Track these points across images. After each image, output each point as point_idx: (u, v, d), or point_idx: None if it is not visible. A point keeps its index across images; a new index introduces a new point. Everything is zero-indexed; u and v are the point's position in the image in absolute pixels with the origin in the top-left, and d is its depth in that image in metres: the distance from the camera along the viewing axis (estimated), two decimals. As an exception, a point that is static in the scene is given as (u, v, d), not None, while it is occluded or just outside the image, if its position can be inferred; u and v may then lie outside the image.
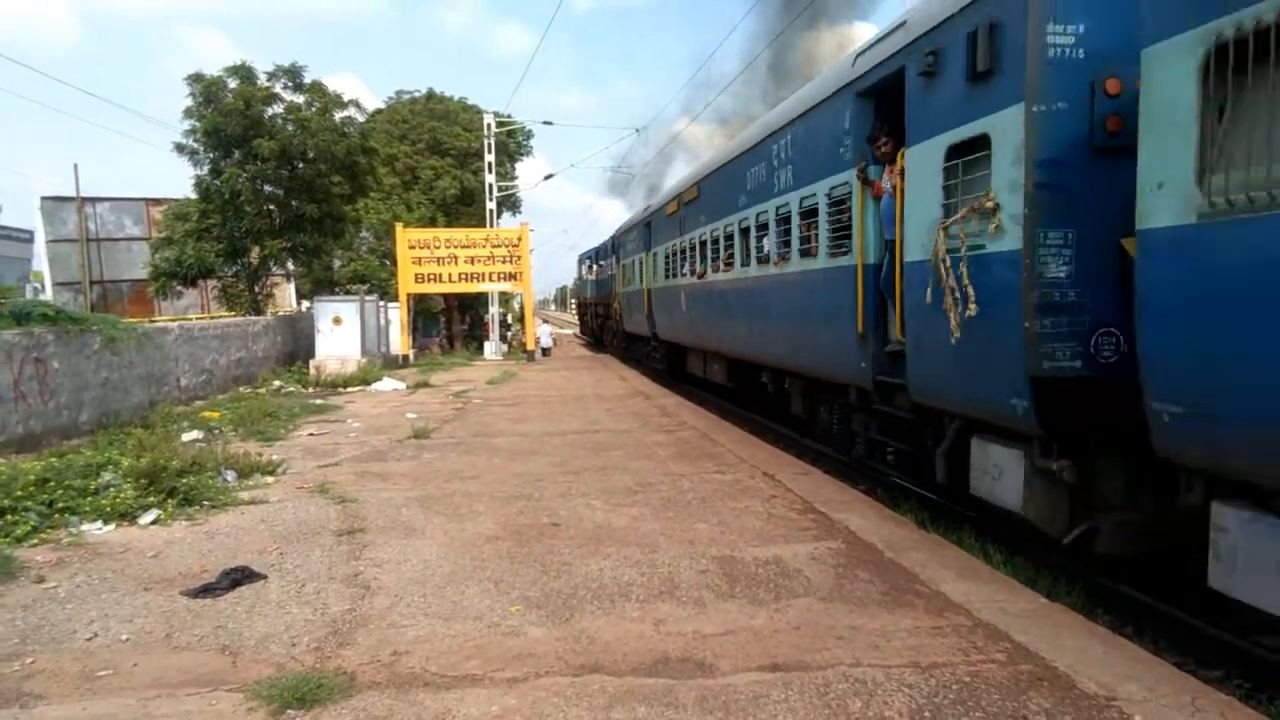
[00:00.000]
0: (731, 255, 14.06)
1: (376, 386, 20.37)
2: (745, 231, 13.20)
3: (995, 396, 6.49)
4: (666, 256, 20.17)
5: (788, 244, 11.21)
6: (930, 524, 7.72)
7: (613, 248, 32.29)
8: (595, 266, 39.20)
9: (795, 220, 10.86)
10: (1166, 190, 4.73)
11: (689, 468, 9.78)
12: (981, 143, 6.57)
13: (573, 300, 57.86)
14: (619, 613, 5.18)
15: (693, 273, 17.05)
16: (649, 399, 17.30)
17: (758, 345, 13.08)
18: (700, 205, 16.45)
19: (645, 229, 23.62)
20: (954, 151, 6.98)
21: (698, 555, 6.32)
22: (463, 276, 28.24)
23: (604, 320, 37.14)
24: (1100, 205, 5.58)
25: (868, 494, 8.89)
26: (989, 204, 6.38)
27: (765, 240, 12.27)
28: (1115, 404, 5.48)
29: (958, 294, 6.74)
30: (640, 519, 7.46)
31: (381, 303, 27.39)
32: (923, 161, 7.50)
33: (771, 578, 5.79)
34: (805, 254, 10.60)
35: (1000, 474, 6.80)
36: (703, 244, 16.13)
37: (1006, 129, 6.22)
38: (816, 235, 10.15)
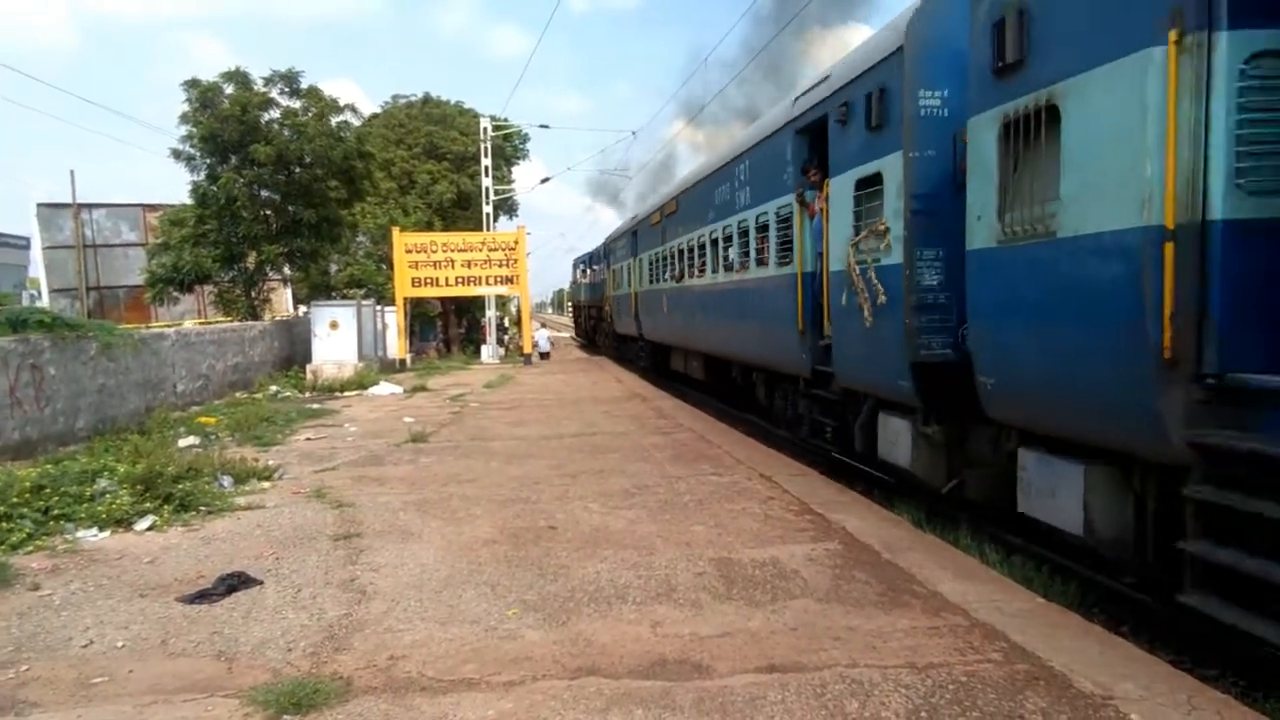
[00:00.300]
0: (704, 263, 15.82)
1: (373, 391, 20.36)
2: (715, 242, 14.96)
3: (890, 379, 8.21)
4: (650, 262, 22.18)
5: (747, 254, 12.95)
6: (926, 524, 7.71)
7: (604, 253, 34.71)
8: (589, 271, 41.40)
9: (752, 234, 12.58)
10: (982, 222, 6.42)
11: (686, 470, 9.78)
12: (877, 179, 8.28)
13: (569, 303, 59.59)
14: (616, 615, 5.18)
15: (673, 278, 18.86)
16: (645, 401, 17.30)
17: (727, 343, 15.06)
18: (678, 217, 18.40)
19: (632, 236, 25.77)
20: (860, 184, 8.66)
21: (695, 557, 6.32)
22: (459, 280, 28.26)
23: (597, 322, 39.05)
24: (961, 229, 6.76)
25: (864, 495, 8.89)
26: (881, 227, 8.14)
27: (730, 250, 14.03)
28: (973, 381, 6.73)
29: (864, 297, 8.49)
30: (637, 521, 7.46)
31: (378, 307, 27.38)
32: (840, 190, 9.19)
33: (768, 579, 5.79)
34: (760, 263, 12.33)
35: (897, 440, 8.48)
36: (680, 252, 18.02)
37: (892, 169, 7.93)
38: (768, 247, 11.83)
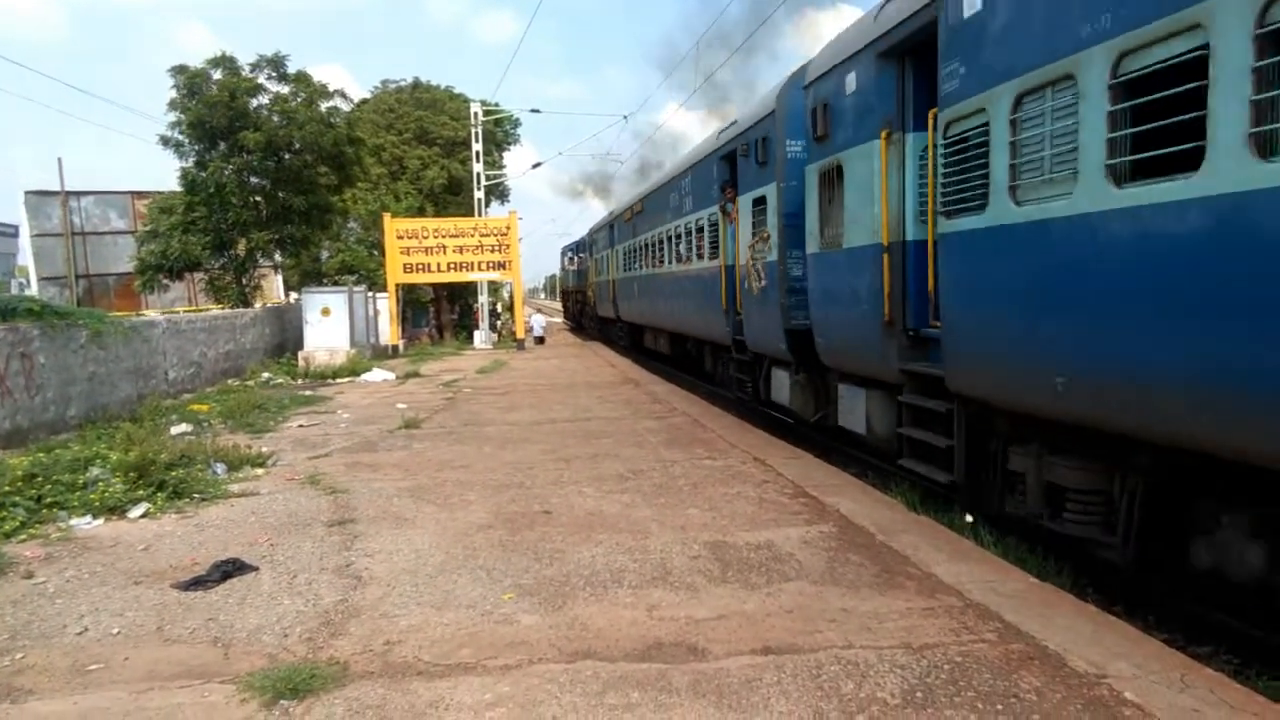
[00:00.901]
0: (664, 255, 19.52)
1: (366, 377, 20.32)
2: (672, 238, 18.59)
3: (774, 342, 11.60)
4: (625, 253, 25.95)
5: (690, 249, 16.86)
6: (920, 506, 7.73)
7: (588, 243, 38.17)
8: (575, 259, 44.43)
9: (694, 233, 16.48)
10: (811, 235, 9.81)
11: (680, 454, 9.79)
12: (764, 199, 11.74)
13: (559, 288, 62.04)
14: (611, 599, 5.19)
15: (642, 266, 22.61)
16: (639, 386, 17.30)
17: (680, 322, 18.99)
18: (645, 216, 22.15)
19: (610, 229, 29.71)
20: (754, 202, 12.15)
21: (690, 541, 6.33)
22: (451, 266, 28.18)
23: (582, 306, 42.91)
24: None
25: (858, 477, 8.91)
26: (766, 234, 11.61)
27: (680, 246, 17.83)
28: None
29: (756, 284, 11.99)
30: (632, 505, 7.47)
31: (370, 293, 27.29)
32: (744, 205, 12.69)
33: (764, 562, 5.80)
34: (699, 257, 16.05)
35: (782, 387, 11.94)
36: (647, 245, 21.68)
37: (772, 194, 11.34)
38: (704, 245, 15.62)
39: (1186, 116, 4.55)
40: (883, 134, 7.90)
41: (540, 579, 5.59)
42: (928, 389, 7.65)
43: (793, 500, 7.54)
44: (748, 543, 6.25)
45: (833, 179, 9.11)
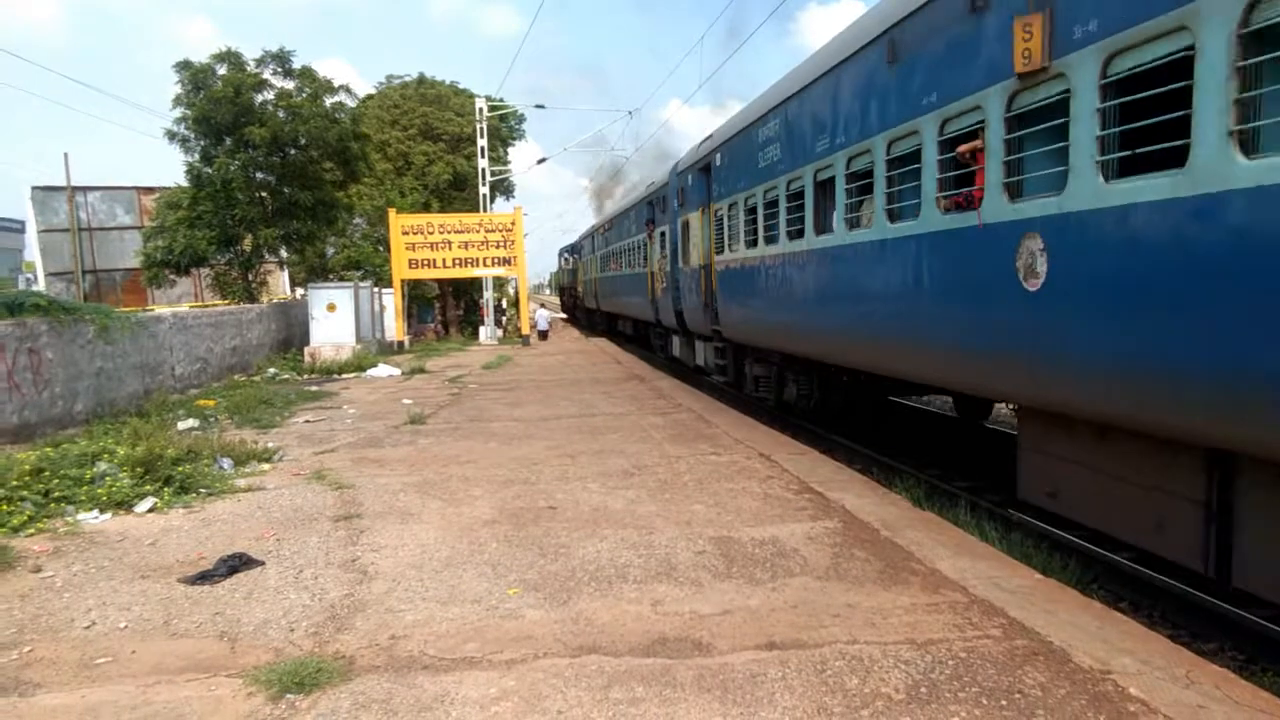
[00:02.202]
0: (621, 262, 27.97)
1: (371, 373, 20.35)
2: (625, 250, 27.10)
3: (670, 319, 19.66)
4: (600, 258, 34.32)
5: (634, 259, 25.17)
6: (925, 502, 7.74)
7: (578, 248, 46.75)
8: (570, 259, 53.55)
9: (634, 249, 24.96)
10: (680, 257, 17.88)
11: (685, 450, 9.80)
12: (665, 234, 19.56)
13: (558, 284, 74.62)
14: (616, 594, 5.20)
15: (611, 269, 31.01)
16: (644, 382, 17.31)
17: (631, 309, 27.39)
18: (611, 232, 30.67)
19: (592, 238, 38.09)
20: (661, 234, 20.22)
21: (694, 536, 6.34)
22: (456, 262, 28.20)
23: (575, 300, 51.41)
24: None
25: (863, 473, 8.91)
26: (665, 254, 19.63)
27: (627, 256, 26.59)
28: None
29: (660, 285, 20.40)
30: (637, 501, 7.48)
31: (376, 289, 27.32)
32: (656, 236, 21.03)
33: (768, 557, 5.81)
34: (639, 265, 24.22)
35: (674, 346, 20.77)
36: (612, 254, 30.25)
37: (668, 231, 19.27)
38: (639, 257, 24.03)
39: (796, 213, 11.08)
40: (700, 208, 15.83)
41: (545, 574, 5.60)
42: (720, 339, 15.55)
43: (797, 496, 7.54)
44: (752, 538, 6.25)
45: (686, 229, 17.26)
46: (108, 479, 7.97)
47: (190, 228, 23.35)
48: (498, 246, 28.29)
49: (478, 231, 28.30)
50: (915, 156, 7.62)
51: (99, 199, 37.18)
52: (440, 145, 37.05)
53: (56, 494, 7.54)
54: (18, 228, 39.82)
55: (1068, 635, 4.38)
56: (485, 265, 28.70)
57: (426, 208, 33.91)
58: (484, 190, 32.85)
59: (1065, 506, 6.48)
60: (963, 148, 6.85)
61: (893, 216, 8.13)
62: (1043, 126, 5.85)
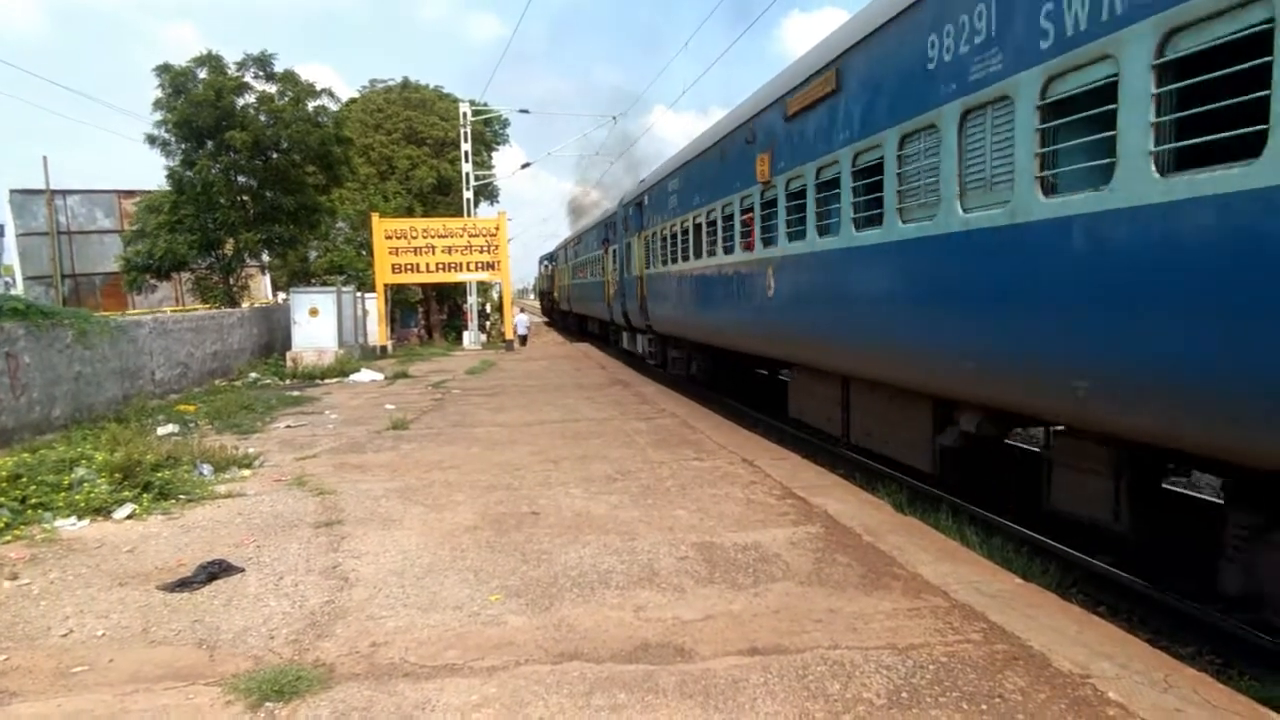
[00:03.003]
0: (587, 271, 33.26)
1: (354, 378, 20.27)
2: (590, 261, 32.00)
3: (619, 318, 25.50)
4: (574, 267, 38.84)
5: (595, 269, 30.07)
6: (907, 507, 7.78)
7: (555, 256, 52.97)
8: (548, 266, 59.13)
9: (595, 261, 29.99)
10: (631, 268, 22.42)
11: (668, 455, 9.80)
12: (616, 251, 25.18)
13: (538, 290, 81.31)
14: (599, 600, 5.19)
15: (581, 276, 35.71)
16: (627, 387, 17.31)
17: (597, 311, 30.72)
18: (580, 246, 36.01)
19: (565, 249, 44.47)
20: (613, 252, 25.65)
21: (677, 542, 6.34)
22: (440, 266, 28.14)
23: (552, 303, 57.25)
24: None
25: (846, 478, 8.94)
26: (615, 267, 25.38)
27: (591, 266, 31.37)
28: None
29: (613, 290, 26.03)
30: (620, 506, 7.47)
31: (359, 293, 27.21)
32: (610, 252, 26.46)
33: (750, 563, 5.81)
34: (596, 273, 29.80)
35: (624, 340, 26.67)
36: (582, 264, 35.12)
37: (619, 249, 24.56)
38: (600, 268, 28.60)
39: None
40: (637, 234, 21.08)
41: (527, 580, 5.59)
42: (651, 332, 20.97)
43: (780, 501, 7.55)
44: (735, 544, 6.26)
45: (629, 249, 22.21)
46: (86, 485, 7.90)
47: (171, 232, 23.20)
48: (481, 251, 28.26)
49: (461, 236, 28.25)
50: (730, 217, 12.90)
51: (78, 202, 36.91)
52: (424, 149, 37.01)
53: (33, 500, 7.46)
54: (-4, 231, 39.37)
55: (1048, 640, 4.41)
56: (469, 270, 28.66)
57: (410, 212, 33.85)
58: (468, 195, 32.80)
59: (807, 419, 11.77)
60: (745, 215, 12.10)
61: (725, 250, 13.29)
62: (769, 210, 11.11)
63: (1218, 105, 4.35)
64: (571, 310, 42.20)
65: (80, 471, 8.25)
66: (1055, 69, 5.43)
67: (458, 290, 35.41)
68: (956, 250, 6.72)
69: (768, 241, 11.18)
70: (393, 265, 27.59)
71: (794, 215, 10.28)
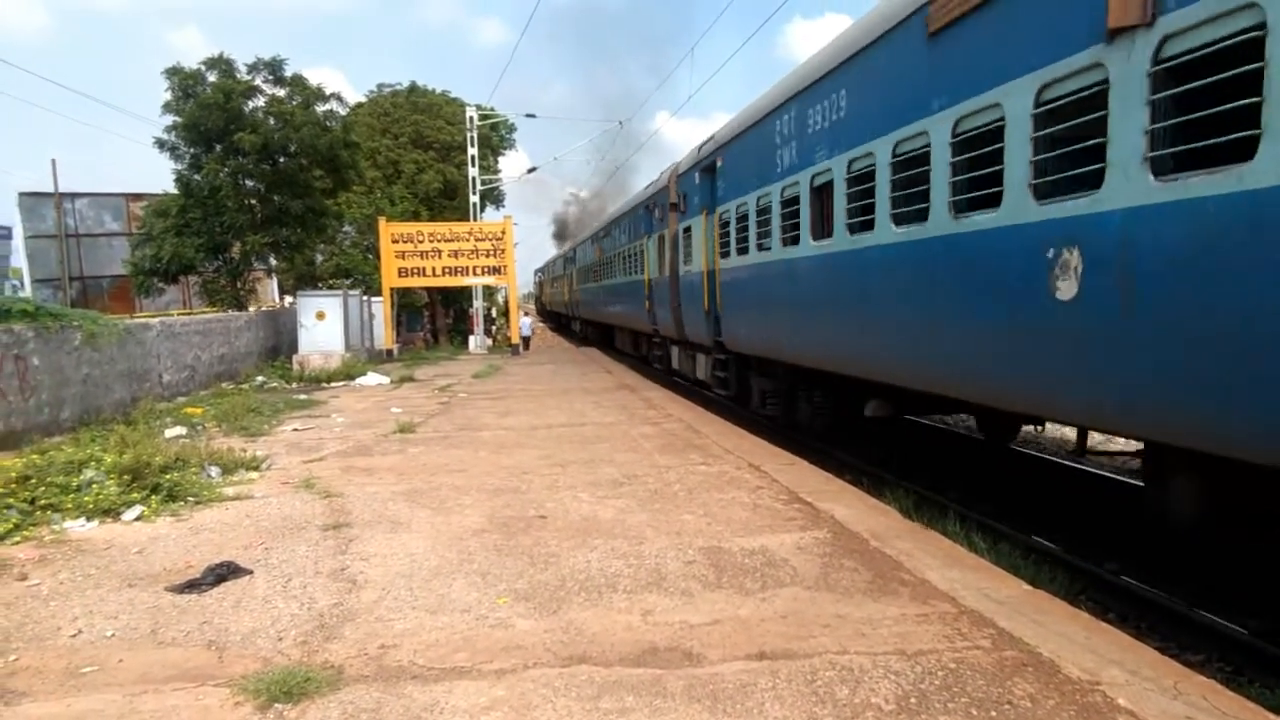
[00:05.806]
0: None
1: (360, 381, 20.30)
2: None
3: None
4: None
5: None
6: (915, 513, 7.76)
7: (552, 265, 55.77)
8: (547, 273, 61.83)
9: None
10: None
11: (675, 459, 9.80)
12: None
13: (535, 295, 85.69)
14: (606, 604, 5.19)
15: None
16: (634, 392, 17.31)
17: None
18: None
19: (563, 259, 46.98)
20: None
21: (684, 546, 6.34)
22: (446, 270, 28.17)
23: (543, 307, 62.29)
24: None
25: (853, 484, 8.93)
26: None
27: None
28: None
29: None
30: (627, 511, 7.47)
31: (365, 297, 27.27)
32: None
33: (758, 567, 5.81)
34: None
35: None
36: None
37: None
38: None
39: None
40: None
41: (535, 583, 5.59)
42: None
43: (787, 506, 7.55)
44: (742, 548, 6.26)
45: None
46: (94, 487, 7.93)
47: (178, 235, 23.24)
48: (488, 255, 28.29)
49: (467, 240, 28.29)
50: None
51: (87, 205, 37.06)
52: (431, 154, 37.10)
53: (43, 501, 7.50)
54: (4, 234, 39.56)
55: (1057, 646, 4.40)
56: (475, 274, 28.68)
57: (416, 216, 33.92)
58: (474, 199, 32.88)
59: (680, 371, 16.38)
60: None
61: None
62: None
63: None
64: (577, 316, 40.67)
65: (89, 473, 8.29)
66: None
67: (463, 294, 35.48)
68: None
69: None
70: (399, 269, 27.64)
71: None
